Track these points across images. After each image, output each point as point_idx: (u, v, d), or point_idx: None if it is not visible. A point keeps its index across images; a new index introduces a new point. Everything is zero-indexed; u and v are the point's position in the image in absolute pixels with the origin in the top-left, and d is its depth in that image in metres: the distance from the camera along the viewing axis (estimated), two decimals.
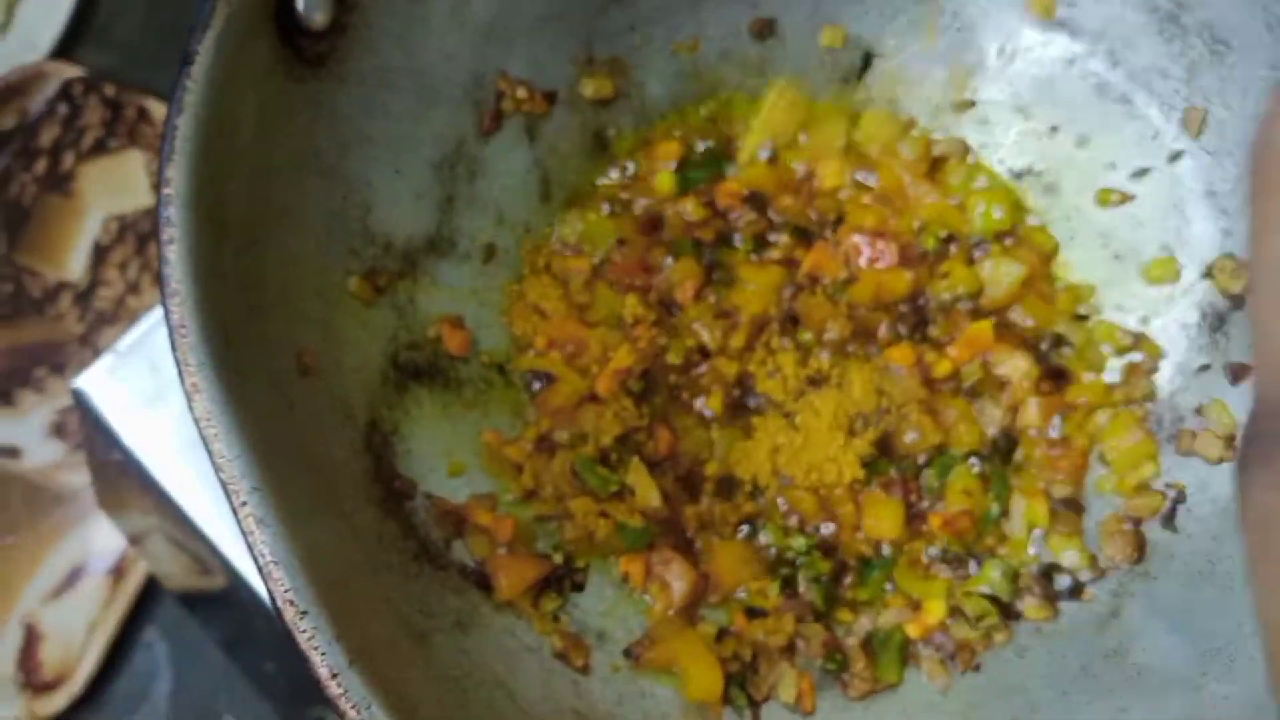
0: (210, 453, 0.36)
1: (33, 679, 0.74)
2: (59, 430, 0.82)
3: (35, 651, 0.75)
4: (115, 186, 0.88)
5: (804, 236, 0.57)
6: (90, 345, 0.85)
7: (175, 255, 0.39)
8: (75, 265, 0.87)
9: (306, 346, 0.45)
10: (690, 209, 0.57)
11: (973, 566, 0.51)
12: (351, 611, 0.37)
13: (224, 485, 0.36)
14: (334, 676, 0.34)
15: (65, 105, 0.89)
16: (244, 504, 0.36)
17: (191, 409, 0.37)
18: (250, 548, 0.36)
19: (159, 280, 0.39)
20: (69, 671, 0.75)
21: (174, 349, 0.38)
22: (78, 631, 0.76)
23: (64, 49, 0.90)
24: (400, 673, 0.39)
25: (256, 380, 0.41)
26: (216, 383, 0.37)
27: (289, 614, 0.35)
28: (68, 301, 0.86)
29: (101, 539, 0.78)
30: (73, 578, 0.77)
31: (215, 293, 0.40)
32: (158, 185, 0.41)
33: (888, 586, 0.51)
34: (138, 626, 0.78)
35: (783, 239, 0.57)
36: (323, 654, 0.35)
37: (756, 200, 0.58)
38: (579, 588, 0.49)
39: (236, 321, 0.41)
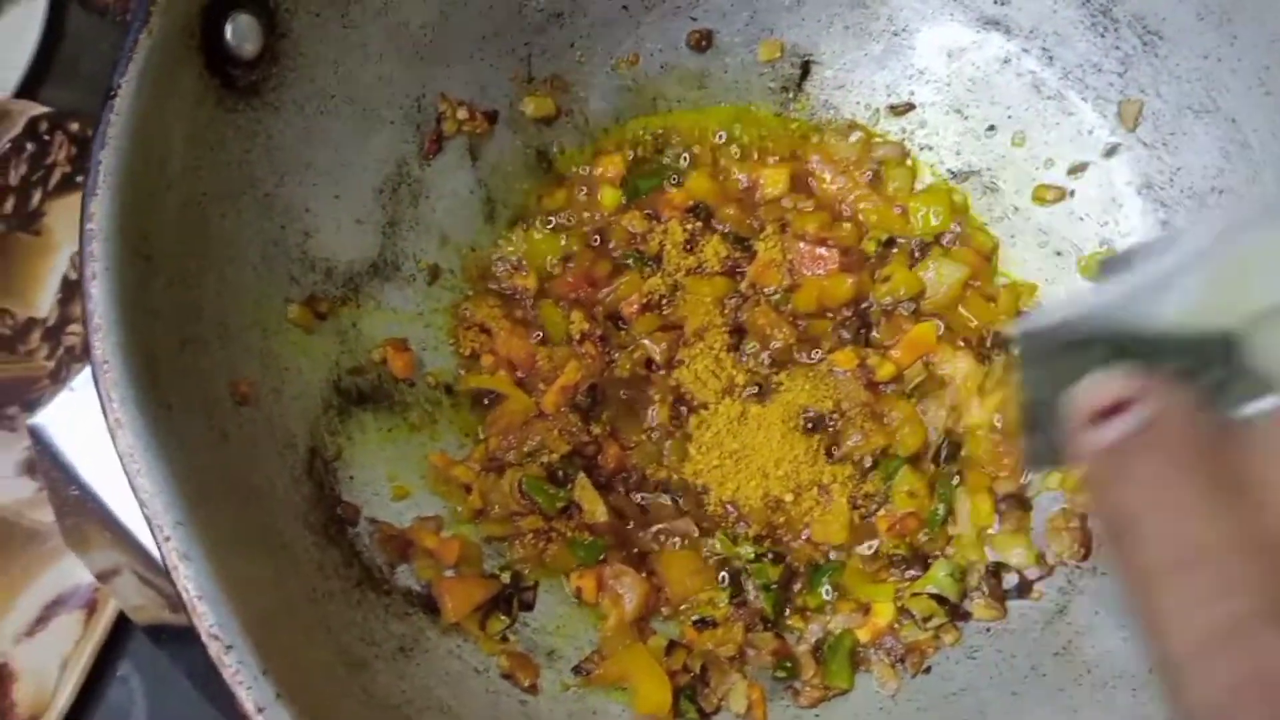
0: (133, 488, 0.37)
1: (7, 718, 0.74)
2: (30, 468, 0.82)
3: (9, 691, 0.75)
4: None
5: (747, 246, 0.57)
6: (61, 381, 0.85)
7: (98, 291, 0.39)
8: (44, 302, 0.87)
9: (244, 377, 0.45)
10: (634, 222, 0.57)
11: (921, 568, 0.51)
12: (284, 643, 0.37)
13: (148, 520, 0.36)
14: (260, 711, 0.34)
15: (32, 143, 0.89)
16: (168, 539, 0.36)
17: (114, 444, 0.37)
18: (175, 583, 0.36)
19: (83, 316, 0.40)
20: (43, 709, 0.75)
21: (96, 384, 0.38)
22: (51, 669, 0.75)
23: (29, 87, 0.91)
24: (336, 703, 0.39)
25: (187, 413, 0.41)
26: (139, 418, 0.37)
27: (213, 649, 0.35)
28: (37, 338, 0.86)
29: (74, 575, 0.78)
30: (45, 615, 0.77)
31: (143, 326, 0.40)
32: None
33: (834, 592, 0.51)
34: (111, 661, 0.77)
35: (726, 249, 0.57)
36: (248, 688, 0.35)
37: (700, 211, 0.58)
38: (528, 606, 0.49)
39: (167, 355, 0.41)
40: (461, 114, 0.56)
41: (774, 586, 0.51)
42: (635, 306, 0.56)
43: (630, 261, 0.57)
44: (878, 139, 0.59)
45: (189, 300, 0.44)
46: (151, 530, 0.36)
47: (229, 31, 0.45)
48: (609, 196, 0.58)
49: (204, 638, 0.35)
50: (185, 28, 0.43)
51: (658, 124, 0.60)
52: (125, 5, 0.94)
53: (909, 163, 0.59)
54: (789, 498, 0.52)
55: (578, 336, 0.55)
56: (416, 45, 0.54)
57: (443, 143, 0.56)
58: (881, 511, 0.52)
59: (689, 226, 0.57)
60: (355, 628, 0.43)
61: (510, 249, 0.57)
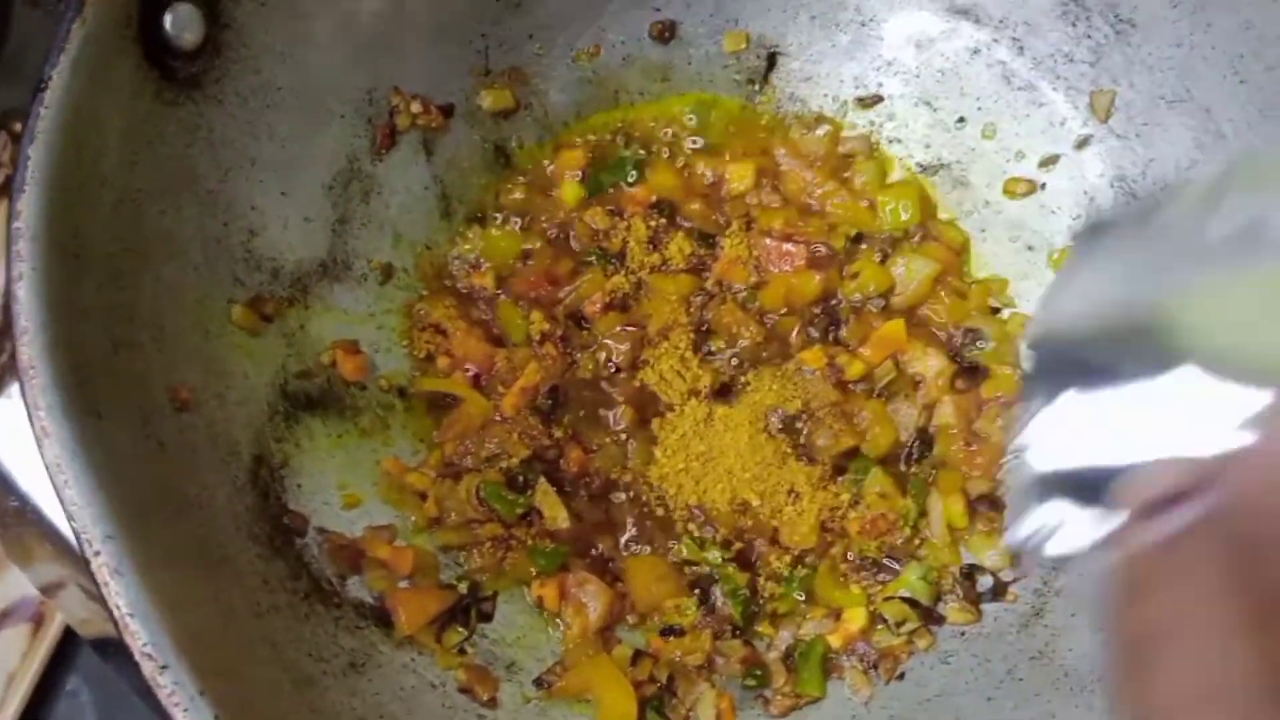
0: (61, 500, 0.34)
1: None
2: None
3: None
4: None
5: (713, 243, 0.55)
6: (5, 387, 0.82)
7: (25, 292, 0.37)
8: None
9: (183, 382, 0.43)
10: (597, 219, 0.55)
11: (892, 572, 0.49)
12: (223, 661, 0.35)
13: (76, 534, 0.34)
14: None
15: None
16: (97, 553, 0.34)
17: (41, 454, 0.35)
18: (105, 599, 0.33)
19: (7, 318, 0.37)
20: None
21: (23, 391, 0.36)
22: None
23: None
24: None
25: (120, 420, 0.39)
26: (66, 426, 0.35)
27: (147, 669, 0.33)
28: None
29: (19, 588, 0.75)
30: None
31: (72, 330, 0.38)
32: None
33: (804, 597, 0.49)
34: (60, 675, 0.75)
35: (691, 246, 0.55)
36: (185, 710, 0.33)
37: (664, 207, 0.56)
38: (486, 617, 0.47)
39: (98, 359, 0.39)
40: (415, 108, 0.54)
41: (742, 592, 0.49)
42: (598, 305, 0.54)
43: (592, 259, 0.55)
44: (845, 132, 0.58)
45: (122, 301, 0.42)
46: (80, 545, 0.34)
47: (168, 21, 0.43)
48: (570, 192, 0.56)
49: (137, 656, 0.33)
50: (122, 16, 0.41)
51: (619, 118, 0.58)
52: None
53: (877, 155, 0.57)
54: (757, 501, 0.50)
55: (538, 337, 0.53)
56: (368, 36, 0.52)
57: (396, 137, 0.54)
58: (852, 514, 0.50)
59: (653, 223, 0.56)
60: (303, 643, 0.41)
61: (467, 247, 0.55)
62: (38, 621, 0.75)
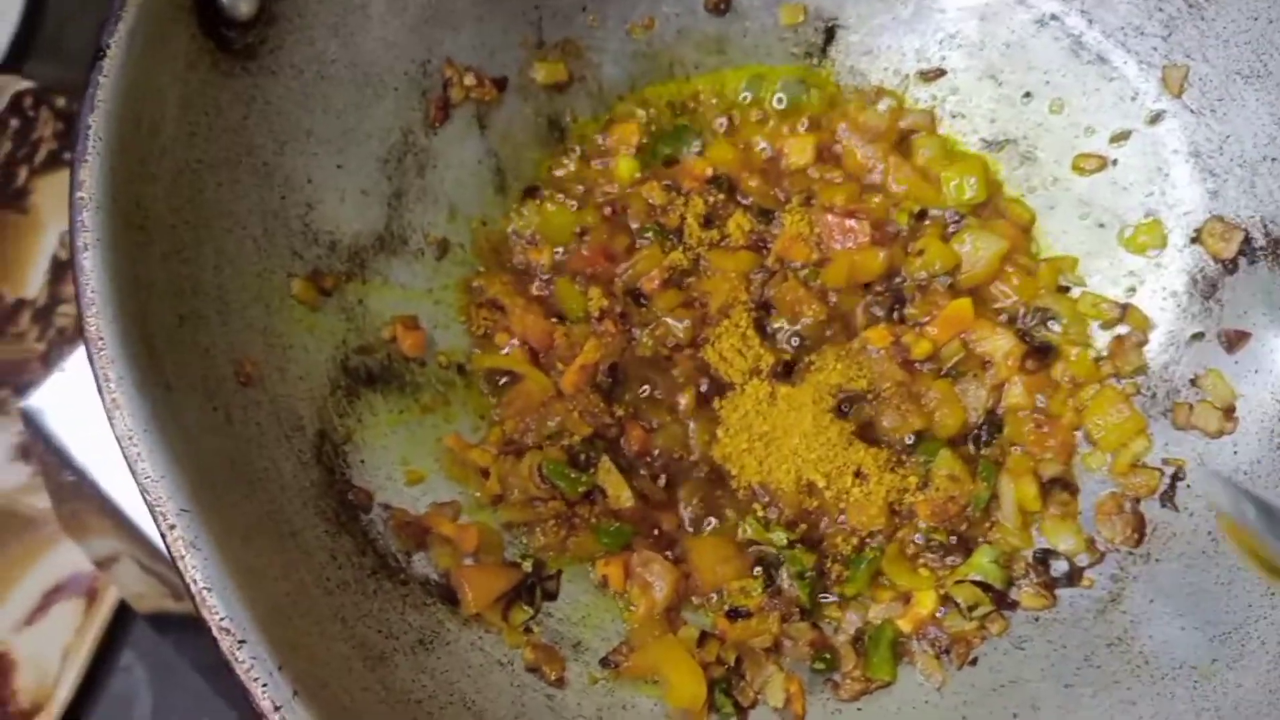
0: (134, 473, 0.34)
1: (8, 709, 0.71)
2: (24, 453, 0.79)
3: (10, 680, 0.72)
4: None
5: (772, 218, 0.54)
6: (52, 364, 0.82)
7: (90, 262, 0.36)
8: (34, 282, 0.84)
9: (246, 355, 0.43)
10: (654, 194, 0.54)
11: (962, 554, 0.48)
12: (298, 637, 0.35)
13: (150, 508, 0.34)
14: (277, 709, 0.32)
15: (17, 119, 0.86)
16: (172, 526, 0.33)
17: (112, 427, 0.35)
18: (181, 573, 0.33)
19: (75, 289, 0.37)
20: (45, 699, 0.73)
21: (91, 363, 0.35)
22: (52, 658, 0.73)
23: (12, 62, 0.87)
24: (354, 700, 0.36)
25: (188, 393, 0.38)
26: (138, 398, 0.35)
27: (225, 643, 0.32)
28: (27, 320, 0.83)
29: (73, 562, 0.75)
30: (45, 603, 0.75)
31: (138, 301, 0.37)
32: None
33: (877, 578, 0.48)
34: (114, 650, 0.75)
35: (750, 222, 0.54)
36: (264, 685, 0.32)
37: (722, 182, 0.55)
38: (551, 596, 0.47)
39: (164, 331, 0.39)
40: (469, 80, 0.53)
41: (809, 574, 0.48)
42: (656, 282, 0.53)
43: (649, 235, 0.54)
44: (907, 106, 0.56)
45: (186, 274, 0.41)
46: (154, 518, 0.34)
47: None
48: (625, 167, 0.55)
49: (214, 631, 0.33)
50: None
51: (674, 91, 0.57)
52: None
53: (940, 130, 0.56)
54: (823, 482, 0.49)
55: (596, 313, 0.52)
56: (421, 8, 0.51)
57: (450, 110, 0.53)
58: (920, 496, 0.49)
59: (711, 198, 0.54)
60: (371, 619, 0.41)
61: (523, 223, 0.54)
62: (91, 596, 0.76)
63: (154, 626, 0.73)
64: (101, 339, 0.35)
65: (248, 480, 0.39)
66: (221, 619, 0.33)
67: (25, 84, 0.86)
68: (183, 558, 0.33)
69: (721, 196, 0.55)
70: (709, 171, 0.55)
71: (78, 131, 0.38)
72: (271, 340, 0.44)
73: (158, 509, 0.34)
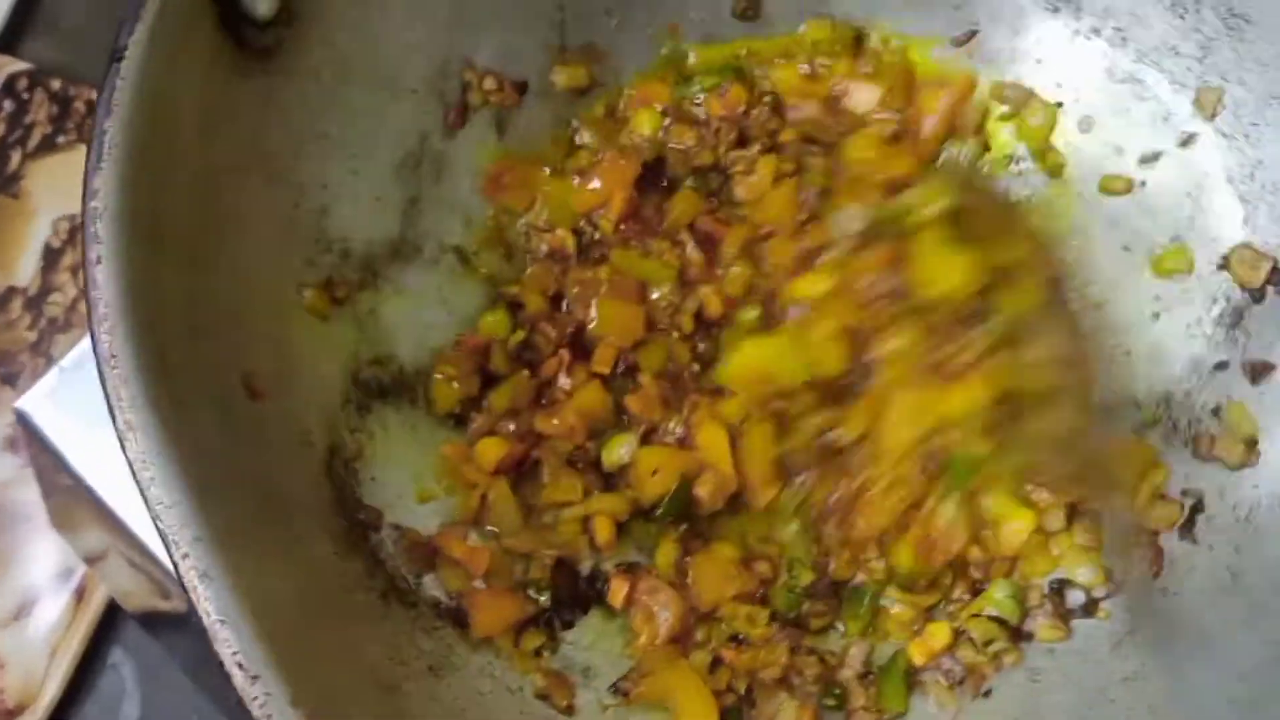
0: (146, 499, 0.33)
1: None
2: (12, 445, 0.78)
3: None
4: (65, 185, 0.83)
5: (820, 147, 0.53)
6: (42, 353, 0.80)
7: (105, 276, 0.35)
8: (25, 269, 0.82)
9: (257, 368, 0.41)
10: (685, 138, 0.53)
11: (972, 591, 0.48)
12: (310, 667, 0.34)
13: (162, 535, 0.32)
14: None
15: (10, 101, 0.84)
16: (185, 556, 0.32)
17: (124, 450, 0.33)
18: (194, 604, 0.32)
19: (87, 304, 0.36)
20: (32, 698, 0.72)
21: (104, 382, 0.34)
22: (39, 656, 0.72)
23: (7, 42, 0.85)
24: None
25: (199, 410, 0.37)
26: (153, 420, 0.34)
27: (239, 679, 0.31)
28: (18, 307, 0.82)
29: (60, 558, 0.74)
30: (32, 599, 0.74)
31: (152, 316, 0.36)
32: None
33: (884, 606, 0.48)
34: (102, 647, 0.74)
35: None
36: None
37: (769, 100, 0.54)
38: (569, 625, 0.46)
39: (177, 346, 0.37)
40: (489, 84, 0.52)
41: (798, 591, 0.47)
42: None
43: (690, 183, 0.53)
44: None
45: (200, 285, 0.40)
46: (167, 547, 0.33)
47: None
48: (646, 119, 0.53)
49: (227, 665, 0.32)
50: None
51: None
52: None
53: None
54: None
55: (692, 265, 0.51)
56: (443, 9, 0.50)
57: (468, 114, 0.52)
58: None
59: (760, 119, 0.53)
60: (383, 645, 0.40)
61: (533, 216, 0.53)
62: (80, 593, 0.75)
63: (145, 627, 0.72)
64: (114, 356, 0.34)
65: (259, 501, 0.38)
66: (235, 653, 0.32)
67: (20, 65, 0.84)
68: (195, 589, 0.32)
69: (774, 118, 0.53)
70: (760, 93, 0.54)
71: (93, 136, 0.37)
72: (282, 352, 0.43)
73: (171, 537, 0.33)
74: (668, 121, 0.54)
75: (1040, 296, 0.47)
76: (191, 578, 0.32)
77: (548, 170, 0.53)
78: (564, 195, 0.53)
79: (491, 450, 0.47)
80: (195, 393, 0.37)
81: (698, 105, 0.54)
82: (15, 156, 0.84)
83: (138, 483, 0.33)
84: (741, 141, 0.53)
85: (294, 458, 0.42)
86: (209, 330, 0.40)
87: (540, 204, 0.53)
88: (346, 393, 0.46)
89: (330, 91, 0.47)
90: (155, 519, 0.33)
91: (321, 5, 0.45)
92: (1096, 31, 0.53)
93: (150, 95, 0.38)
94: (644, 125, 0.54)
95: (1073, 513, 0.50)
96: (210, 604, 0.32)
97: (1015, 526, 0.48)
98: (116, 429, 0.34)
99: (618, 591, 0.47)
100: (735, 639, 0.47)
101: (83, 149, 0.84)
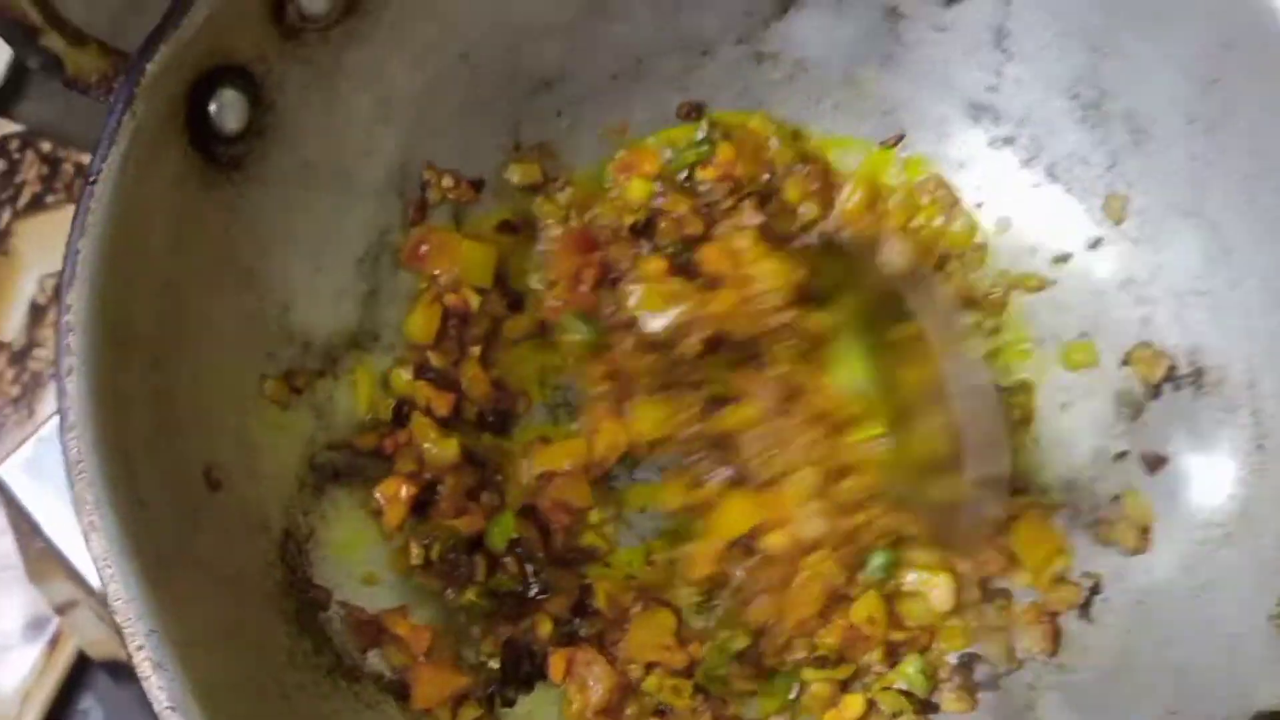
0: (106, 593, 0.36)
1: None
2: None
3: None
4: (53, 244, 0.86)
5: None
6: (25, 407, 0.83)
7: (75, 387, 0.38)
8: (11, 325, 0.85)
9: (218, 459, 0.45)
10: (679, 206, 0.55)
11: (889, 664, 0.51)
12: None
13: (118, 628, 0.36)
14: None
15: (2, 161, 0.87)
16: (140, 647, 0.35)
17: (88, 547, 0.37)
18: (147, 691, 0.35)
19: (58, 408, 0.39)
20: None
21: (71, 484, 0.37)
22: (11, 702, 0.74)
23: (2, 103, 0.88)
24: None
25: (161, 506, 0.40)
26: (114, 520, 0.37)
27: None
28: (3, 362, 0.84)
29: (34, 605, 0.76)
30: (4, 646, 0.76)
31: (118, 419, 0.39)
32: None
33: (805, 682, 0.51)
34: (74, 694, 0.76)
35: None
36: None
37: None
38: (510, 703, 0.49)
39: (141, 445, 0.40)
40: (447, 182, 0.55)
41: (730, 651, 0.50)
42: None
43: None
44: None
45: (163, 385, 0.43)
46: (122, 637, 0.36)
47: (214, 108, 0.45)
48: (638, 188, 0.56)
49: None
50: (170, 107, 0.43)
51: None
52: None
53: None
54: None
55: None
56: (404, 115, 0.53)
57: (427, 211, 0.55)
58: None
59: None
60: None
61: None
62: (54, 640, 0.77)
63: (110, 674, 0.74)
64: (81, 461, 0.37)
65: (214, 588, 0.41)
66: None
67: (12, 127, 0.87)
68: (148, 677, 0.35)
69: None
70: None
71: (66, 254, 0.40)
72: (242, 442, 0.46)
73: (127, 629, 0.36)
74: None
75: (933, 371, 0.51)
76: (145, 668, 0.35)
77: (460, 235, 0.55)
78: (477, 256, 0.55)
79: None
80: (157, 491, 0.40)
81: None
82: (5, 215, 0.87)
83: (100, 578, 0.36)
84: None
85: (250, 543, 0.45)
86: (173, 428, 0.43)
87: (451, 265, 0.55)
88: (303, 477, 0.49)
89: (296, 195, 0.49)
90: (113, 612, 0.36)
91: (288, 117, 0.48)
92: (1012, 140, 0.57)
93: (122, 213, 0.40)
94: (635, 192, 0.56)
95: (985, 590, 0.53)
96: (163, 693, 0.35)
97: (938, 592, 0.51)
98: (81, 527, 0.37)
99: (558, 666, 0.50)
100: (660, 712, 0.50)
101: (70, 208, 0.87)
